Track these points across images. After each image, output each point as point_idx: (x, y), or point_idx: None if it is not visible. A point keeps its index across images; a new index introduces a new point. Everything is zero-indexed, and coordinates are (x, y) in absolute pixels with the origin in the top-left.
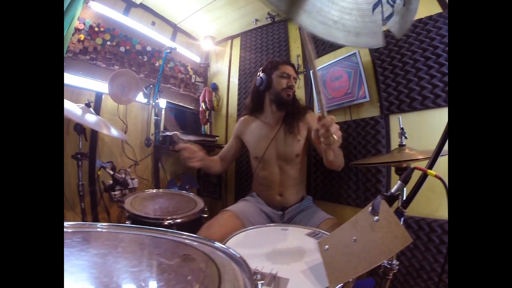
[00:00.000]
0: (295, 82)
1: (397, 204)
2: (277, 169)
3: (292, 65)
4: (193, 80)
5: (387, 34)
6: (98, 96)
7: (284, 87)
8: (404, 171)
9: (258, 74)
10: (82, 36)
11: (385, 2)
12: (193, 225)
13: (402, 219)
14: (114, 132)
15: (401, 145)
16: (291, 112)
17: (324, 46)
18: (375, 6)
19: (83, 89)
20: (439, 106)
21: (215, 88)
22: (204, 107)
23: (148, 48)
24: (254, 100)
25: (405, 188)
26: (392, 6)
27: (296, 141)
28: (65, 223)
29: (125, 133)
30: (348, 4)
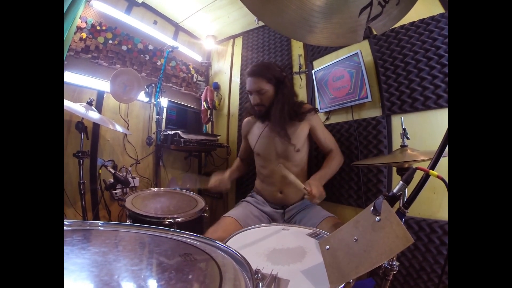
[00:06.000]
0: (263, 94)
1: (399, 204)
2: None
3: (259, 75)
4: (194, 79)
5: (389, 34)
6: (100, 95)
7: (253, 104)
8: (406, 172)
9: None
10: (84, 35)
11: (376, 4)
12: (194, 224)
13: (403, 219)
14: (118, 127)
15: (403, 146)
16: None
17: (325, 46)
18: (363, 9)
19: (85, 87)
20: (441, 106)
21: (216, 87)
22: (205, 106)
23: (150, 47)
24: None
25: (406, 189)
26: (383, 6)
27: (286, 142)
28: (66, 221)
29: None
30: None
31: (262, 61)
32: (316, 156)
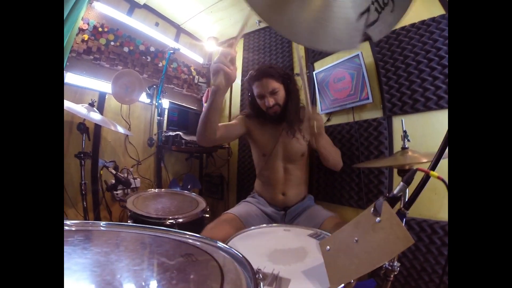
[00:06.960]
0: (276, 93)
1: (399, 205)
2: (281, 168)
3: (267, 75)
4: (196, 81)
5: (390, 36)
6: (102, 96)
7: (266, 107)
8: (407, 173)
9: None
10: (86, 36)
11: (373, 9)
12: (195, 225)
13: (404, 220)
14: (119, 128)
15: (404, 148)
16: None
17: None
18: (362, 14)
19: (87, 88)
20: (442, 107)
21: None
22: None
23: (152, 49)
24: (252, 108)
25: (407, 189)
26: (380, 13)
27: (299, 141)
28: (68, 222)
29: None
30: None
31: (261, 64)
32: (318, 165)
